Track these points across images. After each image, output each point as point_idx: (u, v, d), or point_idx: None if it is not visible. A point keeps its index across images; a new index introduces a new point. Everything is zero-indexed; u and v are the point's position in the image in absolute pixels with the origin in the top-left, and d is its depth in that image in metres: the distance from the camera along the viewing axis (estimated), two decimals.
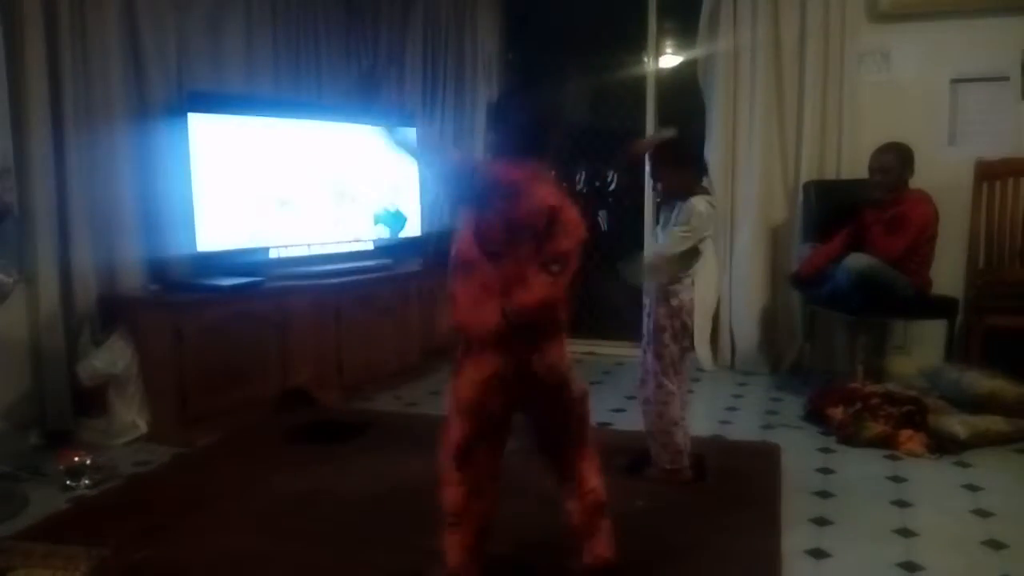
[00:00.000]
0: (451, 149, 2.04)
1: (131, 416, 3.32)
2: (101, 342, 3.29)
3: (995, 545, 2.34)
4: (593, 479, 1.97)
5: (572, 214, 1.86)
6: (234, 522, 2.51)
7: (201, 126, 3.56)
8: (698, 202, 2.65)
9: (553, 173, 1.97)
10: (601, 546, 1.96)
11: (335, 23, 4.81)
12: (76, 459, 2.87)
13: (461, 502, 1.88)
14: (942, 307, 3.82)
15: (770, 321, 4.47)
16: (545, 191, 1.87)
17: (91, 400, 3.30)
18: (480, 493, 1.89)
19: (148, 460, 3.10)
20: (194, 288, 3.46)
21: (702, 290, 4.52)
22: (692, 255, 2.73)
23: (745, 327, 4.50)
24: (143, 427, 3.33)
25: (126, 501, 2.73)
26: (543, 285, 1.81)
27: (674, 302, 2.72)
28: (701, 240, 2.71)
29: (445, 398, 1.97)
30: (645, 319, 2.80)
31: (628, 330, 2.98)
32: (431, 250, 4.72)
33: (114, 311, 3.40)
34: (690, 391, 3.22)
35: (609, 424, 3.52)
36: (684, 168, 2.73)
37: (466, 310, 1.85)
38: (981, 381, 3.38)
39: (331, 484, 2.82)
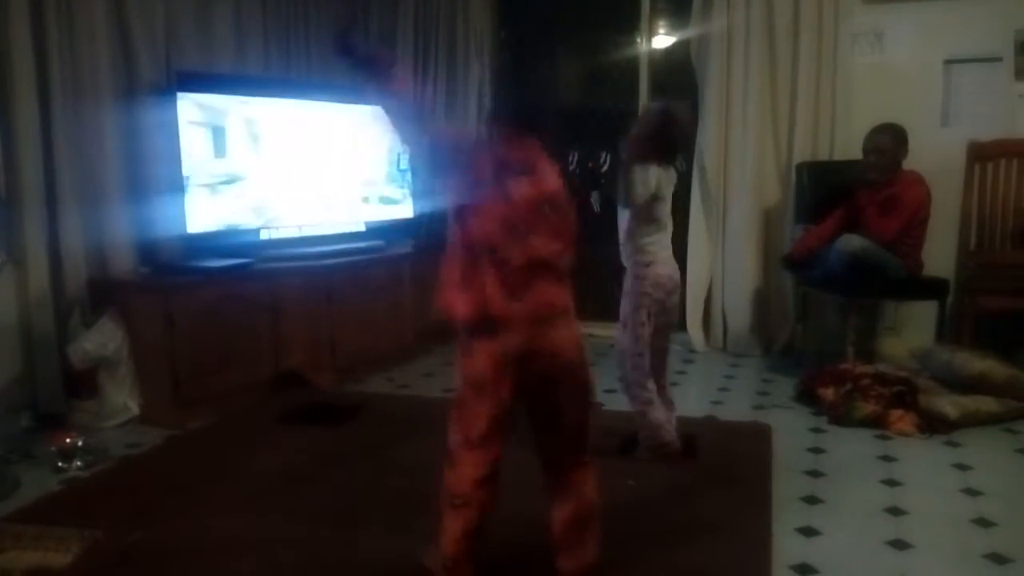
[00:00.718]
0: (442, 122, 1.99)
1: (123, 398, 3.31)
2: (91, 324, 3.27)
3: (984, 523, 2.36)
4: (585, 490, 1.93)
5: (569, 211, 1.88)
6: (227, 504, 2.51)
7: (190, 106, 3.53)
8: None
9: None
10: (586, 554, 1.93)
11: (325, 1, 4.75)
12: (68, 441, 2.86)
13: (470, 485, 1.85)
14: (933, 288, 3.83)
15: (762, 303, 4.48)
16: (554, 171, 1.87)
17: (82, 382, 3.29)
18: (489, 479, 1.86)
19: (140, 442, 3.09)
20: (184, 270, 3.45)
21: (694, 271, 4.55)
22: (647, 220, 2.73)
23: (737, 309, 4.50)
24: (135, 409, 3.32)
25: (118, 483, 2.72)
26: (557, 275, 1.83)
27: (642, 275, 2.73)
28: (654, 200, 2.70)
29: (452, 379, 1.94)
30: (623, 300, 2.80)
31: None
32: (423, 232, 4.71)
33: (104, 293, 3.38)
34: (681, 372, 3.22)
35: (602, 405, 3.52)
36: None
37: (472, 303, 1.79)
38: (971, 362, 3.40)
39: (325, 466, 2.82)
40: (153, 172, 3.59)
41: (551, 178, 1.85)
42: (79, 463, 2.82)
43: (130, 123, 3.54)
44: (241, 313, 3.50)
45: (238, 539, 2.27)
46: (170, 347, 3.25)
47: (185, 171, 3.52)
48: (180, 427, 3.22)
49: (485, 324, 1.78)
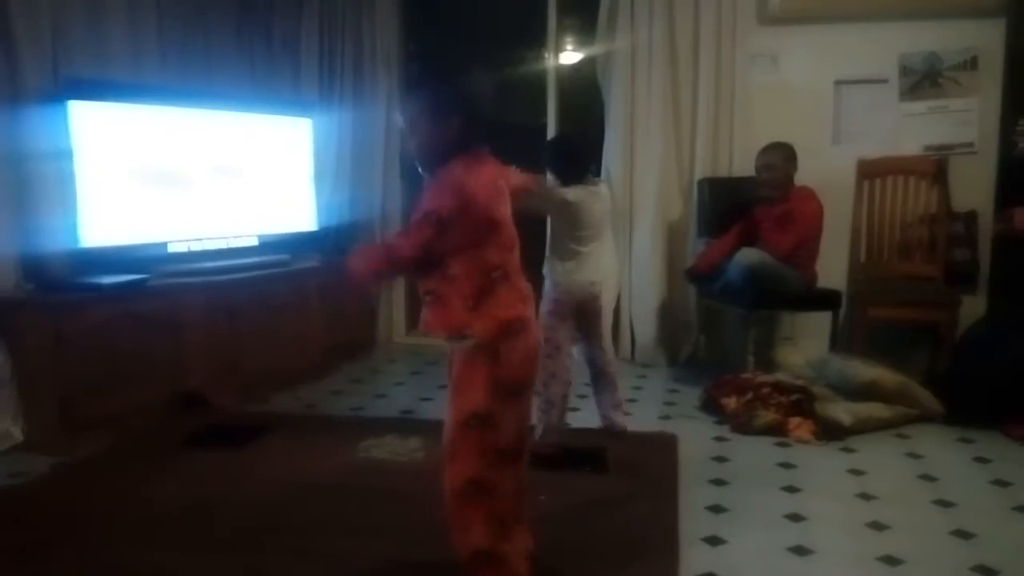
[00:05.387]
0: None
1: (5, 424, 3.12)
2: None
3: (878, 527, 2.47)
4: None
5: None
6: (121, 536, 2.38)
7: (82, 114, 3.36)
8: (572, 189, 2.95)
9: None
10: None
11: (225, 7, 4.61)
12: None
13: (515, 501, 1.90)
14: (827, 300, 3.99)
15: (667, 315, 4.57)
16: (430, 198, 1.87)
17: None
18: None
19: (24, 471, 2.91)
20: (73, 287, 3.27)
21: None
22: (562, 234, 2.98)
23: (644, 321, 4.58)
24: (18, 435, 3.14)
25: (0, 515, 2.55)
26: None
27: (548, 284, 3.02)
28: (571, 220, 2.94)
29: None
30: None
31: None
32: (330, 245, 4.62)
33: None
34: (588, 384, 3.27)
35: None
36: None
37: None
38: (863, 370, 3.55)
39: (226, 491, 2.72)
40: (41, 183, 3.39)
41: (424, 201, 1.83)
42: None
43: (13, 131, 3.33)
44: (137, 332, 3.33)
45: (134, 573, 2.16)
46: (58, 368, 3.07)
47: (77, 183, 3.35)
48: (69, 454, 3.04)
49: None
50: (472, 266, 1.82)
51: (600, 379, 3.20)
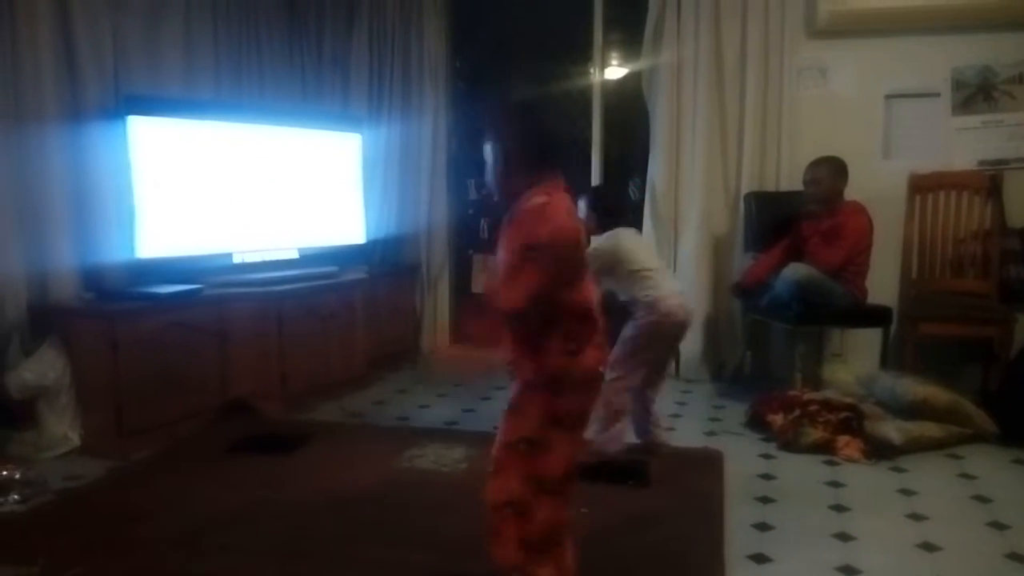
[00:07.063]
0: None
1: (63, 429, 3.21)
2: (31, 352, 3.17)
3: (929, 548, 2.41)
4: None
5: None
6: (171, 537, 2.44)
7: (140, 129, 3.47)
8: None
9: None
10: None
11: (277, 25, 4.74)
12: (4, 473, 2.76)
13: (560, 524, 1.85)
14: (877, 316, 3.92)
15: (713, 330, 4.54)
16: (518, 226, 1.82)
17: (20, 412, 3.18)
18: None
19: (81, 474, 2.99)
20: (130, 296, 3.37)
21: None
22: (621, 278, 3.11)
23: (689, 335, 4.50)
24: (76, 440, 3.22)
25: (57, 517, 2.63)
26: None
27: (643, 309, 3.08)
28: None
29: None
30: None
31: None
32: (377, 257, 4.68)
33: (46, 320, 3.29)
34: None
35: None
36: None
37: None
38: (915, 388, 3.48)
39: (272, 497, 2.77)
40: (101, 197, 3.52)
41: (511, 235, 1.76)
42: (16, 496, 2.71)
43: (76, 145, 3.46)
44: (189, 340, 3.42)
45: (184, 574, 2.21)
46: (114, 375, 3.16)
47: (135, 196, 3.45)
48: (123, 458, 3.12)
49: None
50: (569, 304, 1.76)
51: (650, 397, 3.20)
